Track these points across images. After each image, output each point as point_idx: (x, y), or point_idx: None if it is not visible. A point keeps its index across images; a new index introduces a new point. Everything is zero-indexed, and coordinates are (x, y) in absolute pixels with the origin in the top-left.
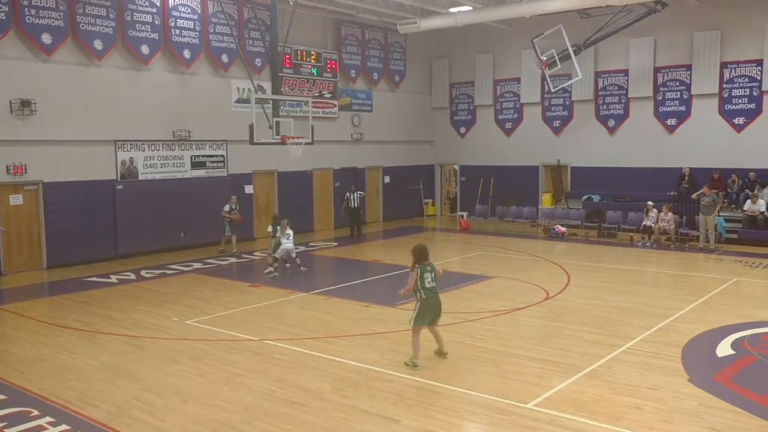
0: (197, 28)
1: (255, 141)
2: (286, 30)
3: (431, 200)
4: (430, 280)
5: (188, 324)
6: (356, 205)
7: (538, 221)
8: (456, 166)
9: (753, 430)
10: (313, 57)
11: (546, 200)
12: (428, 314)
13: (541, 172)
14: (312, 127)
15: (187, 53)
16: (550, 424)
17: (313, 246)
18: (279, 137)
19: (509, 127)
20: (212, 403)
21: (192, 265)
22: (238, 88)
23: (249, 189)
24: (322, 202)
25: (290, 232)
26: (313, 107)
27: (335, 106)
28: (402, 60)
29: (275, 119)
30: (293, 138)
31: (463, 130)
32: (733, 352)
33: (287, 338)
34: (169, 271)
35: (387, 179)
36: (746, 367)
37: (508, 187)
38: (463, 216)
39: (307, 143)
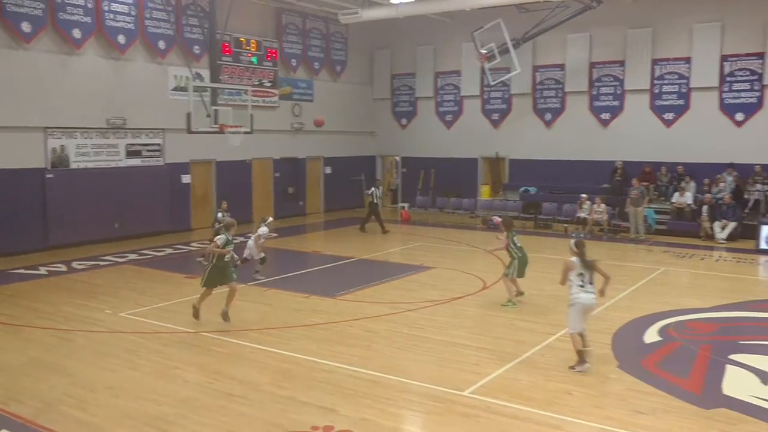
0: (133, 13)
1: (192, 130)
2: (225, 17)
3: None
4: (518, 241)
5: (122, 316)
6: (377, 201)
7: (477, 212)
8: (397, 158)
9: (675, 412)
10: (253, 45)
11: (485, 192)
12: (524, 267)
13: (480, 164)
14: (251, 116)
15: (122, 38)
16: (485, 411)
17: (250, 236)
18: (217, 126)
19: (450, 119)
20: (146, 396)
21: (127, 256)
22: (175, 76)
23: (186, 179)
24: (262, 192)
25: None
26: (252, 96)
27: (275, 95)
28: (343, 50)
29: (213, 108)
30: (232, 127)
31: (404, 121)
32: (659, 338)
33: (224, 330)
34: (102, 263)
35: (328, 170)
36: (671, 352)
37: (448, 179)
38: (404, 207)
39: (246, 132)
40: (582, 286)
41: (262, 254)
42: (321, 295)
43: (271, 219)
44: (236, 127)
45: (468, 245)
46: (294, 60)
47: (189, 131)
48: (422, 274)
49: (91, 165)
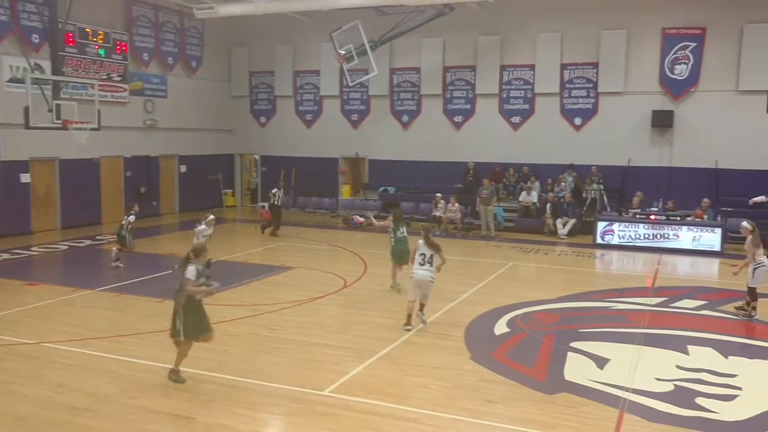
0: None
1: (31, 125)
2: (68, 5)
3: (231, 191)
4: (400, 233)
5: None
6: (279, 202)
7: (338, 212)
8: (257, 156)
9: (523, 399)
10: (100, 37)
11: (345, 192)
12: (395, 256)
13: (341, 164)
14: (99, 111)
15: None
16: (344, 408)
17: (100, 240)
18: (60, 122)
19: (309, 118)
20: None
21: None
22: (11, 66)
23: (25, 178)
24: (111, 192)
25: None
26: (100, 90)
27: (125, 90)
28: (199, 46)
29: (55, 102)
30: (76, 123)
31: (263, 120)
32: (508, 330)
33: (69, 339)
34: None
35: (183, 168)
36: (519, 342)
37: (309, 178)
38: (264, 207)
39: (93, 129)
40: (421, 264)
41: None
42: None
43: (212, 217)
44: (82, 123)
45: (329, 244)
46: (146, 54)
47: (27, 127)
48: (283, 274)
49: None
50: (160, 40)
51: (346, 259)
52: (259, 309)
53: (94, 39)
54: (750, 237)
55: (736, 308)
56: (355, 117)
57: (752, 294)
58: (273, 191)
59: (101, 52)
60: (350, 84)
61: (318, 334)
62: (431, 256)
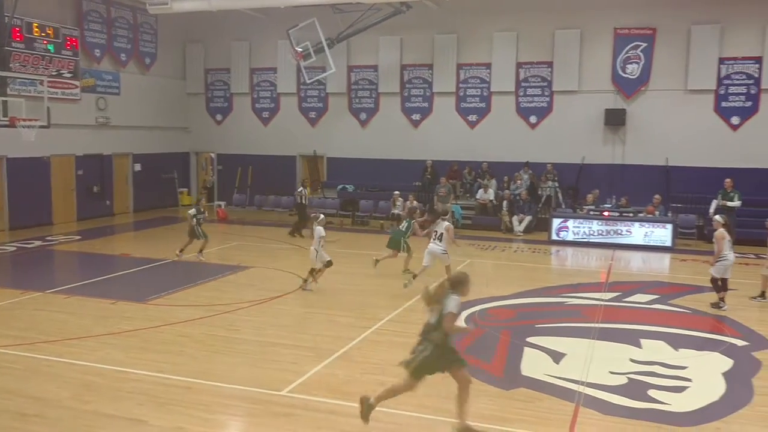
0: None
1: None
2: None
3: (187, 189)
4: (403, 227)
5: None
6: (304, 201)
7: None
8: (213, 154)
9: (481, 395)
10: (49, 32)
11: None
12: (391, 242)
13: (299, 162)
14: (48, 108)
15: None
16: (303, 408)
17: (51, 240)
18: (7, 119)
19: (266, 116)
20: None
21: None
22: None
23: None
24: (63, 192)
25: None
26: (49, 87)
27: (77, 87)
28: (153, 42)
29: (2, 98)
30: (25, 120)
31: (219, 117)
32: (465, 326)
33: (17, 344)
34: None
35: (138, 167)
36: (476, 339)
37: (266, 177)
38: (220, 206)
39: (42, 126)
40: (433, 240)
41: (327, 257)
42: (130, 301)
43: (322, 216)
44: (30, 120)
45: (288, 243)
46: (97, 50)
47: None
48: (240, 274)
49: None
50: (113, 35)
51: (304, 257)
52: (215, 309)
53: (43, 34)
54: (721, 230)
55: (712, 304)
56: (312, 114)
57: (715, 286)
58: (299, 190)
59: (50, 47)
60: (307, 81)
61: (276, 334)
62: (441, 234)
